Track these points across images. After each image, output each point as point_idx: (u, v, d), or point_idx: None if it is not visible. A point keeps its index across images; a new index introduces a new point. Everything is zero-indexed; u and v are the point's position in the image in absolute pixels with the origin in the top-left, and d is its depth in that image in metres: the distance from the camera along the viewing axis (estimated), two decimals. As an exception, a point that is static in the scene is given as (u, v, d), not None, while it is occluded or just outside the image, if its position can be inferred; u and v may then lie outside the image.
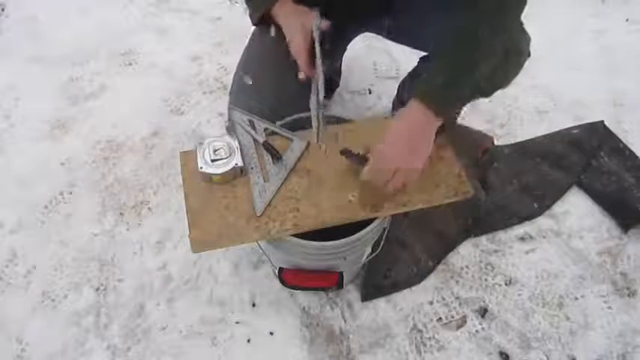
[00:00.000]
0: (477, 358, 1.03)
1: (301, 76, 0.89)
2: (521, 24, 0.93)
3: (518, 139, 1.39)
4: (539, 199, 1.25)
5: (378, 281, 1.10)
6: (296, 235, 0.80)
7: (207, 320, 1.07)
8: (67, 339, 1.05)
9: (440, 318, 1.08)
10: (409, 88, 1.25)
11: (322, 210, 0.81)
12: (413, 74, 1.16)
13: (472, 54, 0.77)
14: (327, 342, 1.05)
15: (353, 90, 1.50)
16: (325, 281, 0.94)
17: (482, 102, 1.48)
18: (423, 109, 0.76)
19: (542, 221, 1.23)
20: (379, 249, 0.98)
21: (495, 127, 1.43)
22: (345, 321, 1.08)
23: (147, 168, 1.34)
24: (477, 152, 1.27)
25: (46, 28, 1.73)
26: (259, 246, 0.97)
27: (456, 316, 1.09)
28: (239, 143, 0.86)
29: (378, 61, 1.60)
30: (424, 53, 1.06)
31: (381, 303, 1.10)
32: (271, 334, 1.06)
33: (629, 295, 1.12)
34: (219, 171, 0.82)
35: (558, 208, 1.26)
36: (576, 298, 1.11)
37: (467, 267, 1.16)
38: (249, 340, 1.05)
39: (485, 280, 1.14)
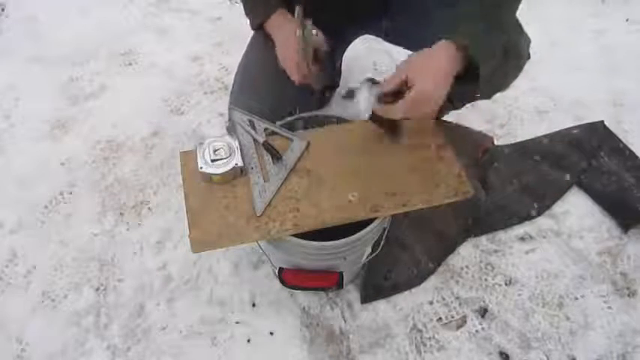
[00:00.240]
0: (477, 358, 1.03)
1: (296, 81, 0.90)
2: (520, 25, 0.92)
3: (518, 139, 1.39)
4: (539, 199, 1.25)
5: (378, 283, 1.10)
6: (296, 235, 0.80)
7: (207, 320, 1.07)
8: (67, 339, 1.05)
9: (440, 318, 1.08)
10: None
11: (322, 210, 0.81)
12: None
13: (499, 14, 0.78)
14: (327, 342, 1.05)
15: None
16: (325, 281, 0.94)
17: (483, 102, 1.48)
18: (453, 48, 0.74)
19: (542, 221, 1.23)
20: (379, 249, 0.98)
21: (495, 127, 1.43)
22: (345, 321, 1.08)
23: (147, 168, 1.34)
24: (477, 152, 1.27)
25: (46, 28, 1.73)
26: (259, 246, 0.97)
27: (456, 316, 1.09)
28: (239, 143, 0.86)
29: (378, 61, 1.60)
30: None
31: (381, 303, 1.10)
32: (271, 334, 1.06)
33: (629, 295, 1.12)
34: (219, 171, 0.82)
35: (558, 208, 1.26)
36: (576, 298, 1.11)
37: (467, 267, 1.16)
38: (249, 340, 1.05)
39: (485, 280, 1.14)
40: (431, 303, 1.10)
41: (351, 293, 1.11)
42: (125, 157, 1.37)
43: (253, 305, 1.10)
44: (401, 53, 1.52)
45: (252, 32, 1.07)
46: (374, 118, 0.83)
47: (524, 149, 1.35)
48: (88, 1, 1.81)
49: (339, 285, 0.94)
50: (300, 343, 1.05)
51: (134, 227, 1.22)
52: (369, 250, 0.99)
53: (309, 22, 0.86)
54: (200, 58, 1.64)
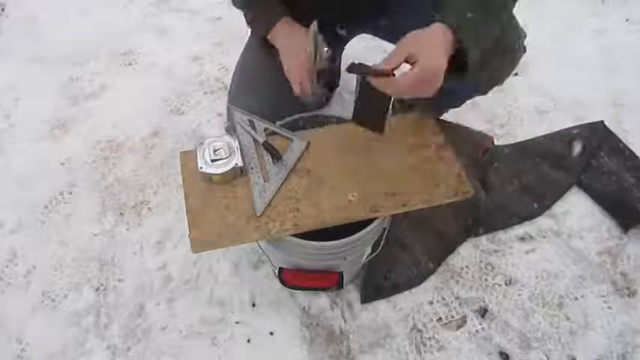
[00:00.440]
0: (477, 358, 1.03)
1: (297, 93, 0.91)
2: (514, 19, 0.92)
3: (518, 139, 1.39)
4: (539, 199, 1.25)
5: (378, 283, 1.10)
6: (296, 235, 0.80)
7: (207, 320, 1.07)
8: (67, 339, 1.05)
9: (440, 318, 1.08)
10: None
11: (322, 210, 0.81)
12: None
13: (489, 5, 0.77)
14: (327, 342, 1.05)
15: (353, 90, 1.50)
16: (325, 281, 0.94)
17: (483, 102, 1.48)
18: (446, 29, 0.73)
19: (542, 221, 1.23)
20: (379, 249, 0.98)
21: (495, 127, 1.43)
22: (345, 321, 1.08)
23: (147, 168, 1.34)
24: (477, 152, 1.27)
25: (46, 28, 1.73)
26: (259, 246, 0.97)
27: (456, 316, 1.08)
28: (239, 143, 0.86)
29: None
30: None
31: (381, 303, 1.10)
32: (271, 334, 1.06)
33: (629, 295, 1.12)
34: (219, 171, 0.82)
35: (558, 208, 1.26)
36: (576, 298, 1.11)
37: (467, 267, 1.16)
38: (249, 340, 1.05)
39: (485, 280, 1.14)
40: (431, 303, 1.10)
41: (351, 293, 1.11)
42: (125, 157, 1.37)
43: (253, 305, 1.10)
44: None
45: (250, 32, 1.07)
46: (357, 115, 0.83)
47: (524, 149, 1.35)
48: (88, 1, 1.81)
49: (339, 285, 0.94)
50: (300, 343, 1.05)
51: (134, 227, 1.22)
52: (369, 250, 0.99)
53: (320, 39, 0.86)
54: (200, 58, 1.64)
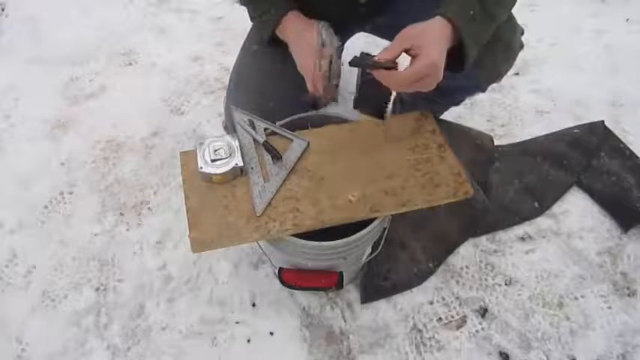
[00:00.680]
0: (476, 358, 1.03)
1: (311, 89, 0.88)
2: (511, 14, 0.92)
3: (518, 139, 1.39)
4: (539, 199, 1.25)
5: (378, 283, 1.10)
6: (296, 235, 0.80)
7: (207, 320, 1.08)
8: (67, 339, 1.05)
9: (440, 318, 1.08)
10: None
11: (322, 210, 0.81)
12: None
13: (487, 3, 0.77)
14: (327, 342, 1.05)
15: (353, 90, 1.50)
16: (325, 281, 0.94)
17: (483, 102, 1.49)
18: (450, 27, 0.73)
19: (542, 221, 1.23)
20: (379, 249, 0.98)
21: (495, 127, 1.43)
22: (345, 321, 1.08)
23: (147, 168, 1.34)
24: (477, 152, 1.27)
25: (46, 28, 1.73)
26: (259, 246, 0.97)
27: (456, 316, 1.08)
28: (239, 143, 0.86)
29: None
30: None
31: (381, 303, 1.10)
32: (271, 334, 1.06)
33: (629, 295, 1.12)
34: (219, 171, 0.82)
35: (558, 208, 1.26)
36: (576, 298, 1.11)
37: (467, 267, 1.16)
38: (249, 340, 1.05)
39: (485, 280, 1.14)
40: (431, 303, 1.10)
41: (351, 293, 1.11)
42: (125, 157, 1.37)
43: (253, 305, 1.10)
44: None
45: (248, 32, 1.07)
46: (358, 104, 0.82)
47: (525, 149, 1.35)
48: (88, 1, 1.81)
49: (339, 285, 0.94)
50: (300, 343, 1.05)
51: (134, 227, 1.22)
52: (369, 250, 0.99)
53: (332, 32, 0.85)
54: (200, 58, 1.64)
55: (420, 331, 1.06)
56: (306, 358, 1.03)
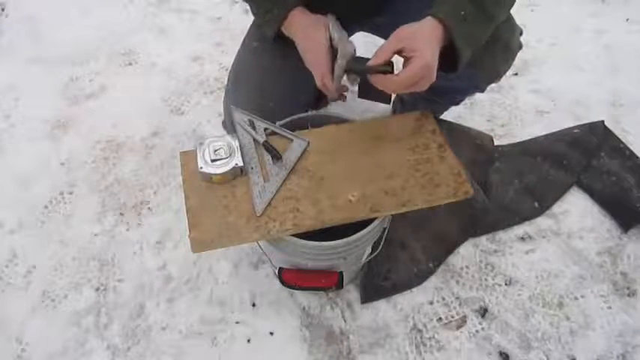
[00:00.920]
0: (476, 358, 1.03)
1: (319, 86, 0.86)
2: (510, 15, 0.92)
3: (518, 139, 1.39)
4: (540, 199, 1.25)
5: (378, 283, 1.10)
6: (296, 235, 0.80)
7: (207, 320, 1.08)
8: (67, 339, 1.05)
9: (440, 318, 1.08)
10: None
11: (322, 210, 0.81)
12: None
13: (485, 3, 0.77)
14: (327, 342, 1.05)
15: (353, 90, 1.50)
16: (325, 281, 0.94)
17: (483, 102, 1.49)
18: (441, 28, 0.74)
19: (542, 221, 1.23)
20: (379, 249, 0.98)
21: (495, 127, 1.43)
22: (345, 321, 1.08)
23: (147, 168, 1.34)
24: (477, 152, 1.27)
25: (46, 28, 1.73)
26: (259, 246, 0.97)
27: (456, 316, 1.09)
28: (239, 143, 0.86)
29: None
30: None
31: (381, 303, 1.10)
32: (271, 334, 1.06)
33: (629, 295, 1.12)
34: (219, 171, 0.82)
35: (558, 208, 1.26)
36: (576, 298, 1.11)
37: (467, 267, 1.16)
38: (249, 340, 1.05)
39: (485, 280, 1.14)
40: (431, 303, 1.10)
41: (351, 293, 1.11)
42: (125, 157, 1.37)
43: (253, 305, 1.10)
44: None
45: (247, 30, 1.06)
46: (362, 92, 0.82)
47: (525, 149, 1.35)
48: (88, 1, 1.81)
49: (339, 285, 0.93)
50: (300, 343, 1.05)
51: (134, 227, 1.22)
52: (369, 250, 0.99)
53: (340, 27, 0.84)
54: (200, 58, 1.64)
55: (420, 331, 1.06)
56: (306, 358, 1.03)
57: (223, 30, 1.74)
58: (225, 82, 1.06)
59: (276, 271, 0.95)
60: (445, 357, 1.03)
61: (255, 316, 1.08)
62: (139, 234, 1.21)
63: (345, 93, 0.92)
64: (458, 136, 1.27)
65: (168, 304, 1.10)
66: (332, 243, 0.81)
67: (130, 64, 1.63)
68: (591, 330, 1.06)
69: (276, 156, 0.86)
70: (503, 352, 1.04)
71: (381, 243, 0.97)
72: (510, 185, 1.27)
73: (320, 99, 1.36)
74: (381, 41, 1.16)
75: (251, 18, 1.05)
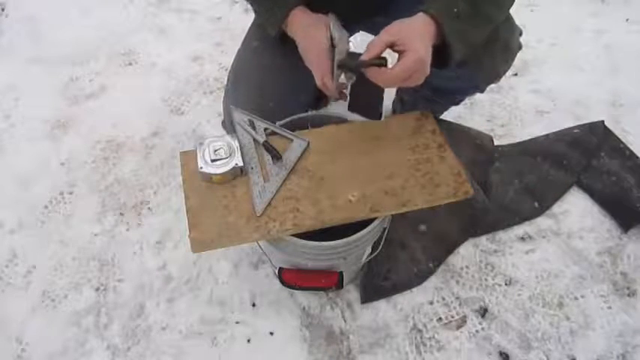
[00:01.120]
0: (476, 358, 1.03)
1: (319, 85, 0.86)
2: (510, 15, 0.92)
3: (518, 139, 1.39)
4: (540, 199, 1.25)
5: (378, 283, 1.10)
6: (296, 235, 0.80)
7: (207, 320, 1.08)
8: (67, 339, 1.05)
9: (440, 318, 1.08)
10: (408, 89, 1.25)
11: (322, 210, 0.81)
12: None
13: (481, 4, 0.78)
14: (327, 342, 1.05)
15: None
16: (325, 281, 0.94)
17: (483, 102, 1.49)
18: (433, 24, 0.74)
19: (542, 221, 1.23)
20: (379, 249, 0.98)
21: (495, 127, 1.43)
22: (345, 321, 1.08)
23: (147, 168, 1.34)
24: (477, 152, 1.27)
25: (46, 28, 1.73)
26: (259, 246, 0.97)
27: (456, 316, 1.09)
28: (239, 143, 0.86)
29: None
30: None
31: (381, 303, 1.10)
32: (271, 334, 1.06)
33: (629, 295, 1.12)
34: (219, 171, 0.82)
35: (558, 208, 1.26)
36: (576, 298, 1.11)
37: (467, 267, 1.16)
38: (249, 340, 1.05)
39: (485, 280, 1.14)
40: (431, 303, 1.10)
41: (351, 293, 1.11)
42: (125, 157, 1.37)
43: (253, 305, 1.10)
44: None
45: (247, 30, 1.06)
46: (352, 106, 0.81)
47: (525, 149, 1.35)
48: (88, 1, 1.81)
49: (339, 285, 0.93)
50: (300, 343, 1.05)
51: (134, 227, 1.22)
52: (369, 250, 0.99)
53: (340, 26, 0.84)
54: (200, 58, 1.64)
55: (420, 331, 1.06)
56: (306, 358, 1.03)
57: (223, 30, 1.74)
58: (225, 82, 1.06)
59: (276, 271, 0.95)
60: (445, 357, 1.03)
61: (255, 316, 1.08)
62: (139, 234, 1.21)
63: (345, 90, 0.92)
64: (458, 136, 1.27)
65: (168, 304, 1.10)
66: (332, 243, 0.81)
67: (130, 64, 1.63)
68: (591, 330, 1.06)
69: (276, 156, 0.86)
70: (503, 352, 1.04)
71: (381, 243, 0.97)
72: (510, 185, 1.27)
73: (320, 99, 1.36)
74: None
75: (251, 18, 1.05)
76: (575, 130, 1.38)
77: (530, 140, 1.38)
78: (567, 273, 1.15)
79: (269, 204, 0.81)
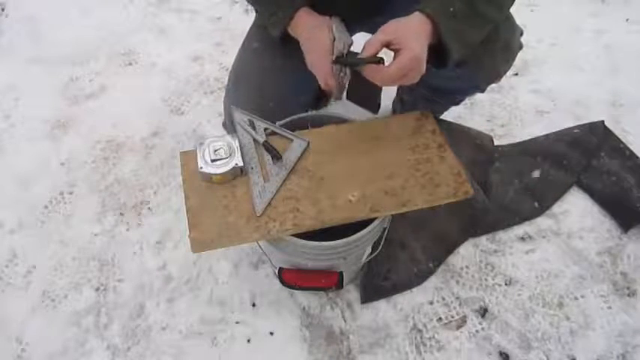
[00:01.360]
0: (476, 358, 1.03)
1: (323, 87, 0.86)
2: (510, 15, 0.92)
3: (518, 139, 1.39)
4: (540, 199, 1.25)
5: (378, 283, 1.10)
6: (296, 235, 0.80)
7: (207, 320, 1.08)
8: (67, 339, 1.05)
9: (440, 318, 1.08)
10: (408, 89, 1.25)
11: (322, 210, 0.81)
12: None
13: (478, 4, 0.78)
14: (327, 342, 1.05)
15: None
16: (325, 281, 0.94)
17: (483, 102, 1.49)
18: (429, 23, 0.75)
19: (542, 221, 1.23)
20: (379, 249, 0.98)
21: (495, 127, 1.43)
22: (345, 321, 1.08)
23: (147, 168, 1.34)
24: (477, 152, 1.27)
25: (46, 28, 1.73)
26: (259, 246, 0.97)
27: (456, 316, 1.09)
28: (239, 143, 0.86)
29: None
30: None
31: (381, 303, 1.10)
32: (271, 334, 1.06)
33: (629, 295, 1.12)
34: (219, 171, 0.82)
35: (558, 208, 1.26)
36: (576, 298, 1.11)
37: (467, 267, 1.16)
38: (249, 340, 1.05)
39: (485, 280, 1.14)
40: (431, 303, 1.10)
41: (351, 293, 1.11)
42: (125, 157, 1.37)
43: (253, 305, 1.10)
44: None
45: (247, 30, 1.06)
46: (350, 94, 0.81)
47: (525, 149, 1.35)
48: (88, 1, 1.81)
49: (339, 285, 0.93)
50: (300, 343, 1.05)
51: (134, 227, 1.22)
52: (369, 250, 0.99)
53: (344, 27, 0.84)
54: (200, 58, 1.64)
55: (420, 331, 1.06)
56: (306, 358, 1.03)
57: (223, 30, 1.74)
58: (226, 82, 1.06)
59: (276, 271, 0.95)
60: (445, 357, 1.03)
61: (255, 316, 1.08)
62: (139, 234, 1.21)
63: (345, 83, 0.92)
64: (458, 136, 1.27)
65: (168, 304, 1.10)
66: (332, 243, 0.81)
67: (130, 64, 1.63)
68: (591, 330, 1.06)
69: (276, 156, 0.86)
70: (503, 352, 1.04)
71: (381, 243, 0.97)
72: (510, 185, 1.27)
73: (320, 99, 1.36)
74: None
75: (251, 18, 1.05)
76: (575, 130, 1.38)
77: (530, 140, 1.38)
78: (567, 273, 1.15)
79: (269, 204, 0.81)
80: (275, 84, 0.97)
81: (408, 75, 0.74)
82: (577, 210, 1.25)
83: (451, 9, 0.75)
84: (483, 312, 1.09)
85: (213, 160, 0.83)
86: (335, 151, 0.89)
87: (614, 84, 1.54)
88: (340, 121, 0.95)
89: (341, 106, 1.46)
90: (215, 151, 0.84)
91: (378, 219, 0.82)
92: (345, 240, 0.81)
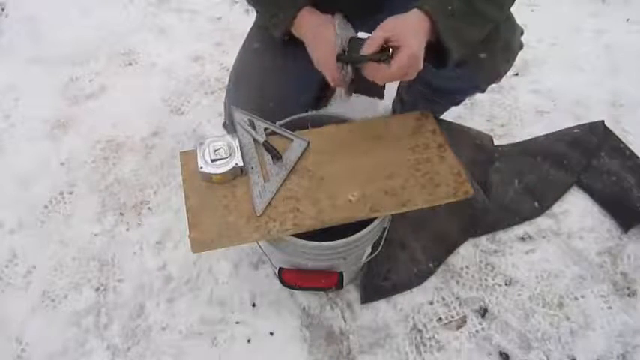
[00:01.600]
0: (476, 358, 1.03)
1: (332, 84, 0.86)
2: (511, 14, 0.92)
3: (518, 139, 1.39)
4: (540, 199, 1.25)
5: (378, 283, 1.10)
6: (296, 235, 0.80)
7: (207, 320, 1.08)
8: (67, 339, 1.05)
9: (440, 318, 1.08)
10: (408, 88, 1.25)
11: (322, 210, 0.81)
12: None
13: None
14: (327, 342, 1.05)
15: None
16: (325, 281, 0.94)
17: (483, 102, 1.49)
18: (428, 21, 0.75)
19: (542, 221, 1.23)
20: (379, 249, 0.98)
21: (495, 127, 1.43)
22: (345, 321, 1.08)
23: (147, 168, 1.34)
24: (477, 152, 1.27)
25: (46, 28, 1.73)
26: (259, 246, 0.97)
27: (456, 316, 1.09)
28: (239, 143, 0.86)
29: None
30: None
31: (381, 303, 1.10)
32: (271, 334, 1.06)
33: (629, 295, 1.12)
34: (219, 171, 0.82)
35: (558, 208, 1.26)
36: (576, 298, 1.11)
37: (467, 267, 1.16)
38: (249, 340, 1.05)
39: (485, 280, 1.14)
40: (431, 303, 1.10)
41: (351, 293, 1.11)
42: (125, 157, 1.37)
43: (253, 305, 1.10)
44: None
45: (248, 31, 1.06)
46: (356, 85, 0.82)
47: (525, 149, 1.35)
48: (88, 1, 1.81)
49: (339, 285, 0.94)
50: (300, 343, 1.05)
51: (134, 227, 1.22)
52: (369, 250, 0.99)
53: (349, 25, 0.84)
54: (200, 58, 1.64)
55: (420, 331, 1.06)
56: (306, 358, 1.03)
57: (223, 30, 1.74)
58: (226, 83, 1.06)
59: (276, 271, 0.95)
60: (445, 357, 1.03)
61: (255, 316, 1.08)
62: (139, 234, 1.21)
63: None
64: (458, 136, 1.27)
65: (168, 304, 1.10)
66: (332, 243, 0.81)
67: (130, 64, 1.63)
68: (591, 330, 1.06)
69: (276, 156, 0.86)
70: (503, 352, 1.04)
71: (381, 243, 0.97)
72: (510, 185, 1.27)
73: (320, 99, 1.36)
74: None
75: (251, 18, 1.05)
76: (575, 130, 1.38)
77: (530, 140, 1.38)
78: (567, 273, 1.15)
79: (269, 204, 0.81)
80: (275, 84, 0.97)
81: (407, 72, 0.75)
82: (577, 210, 1.25)
83: (449, 7, 0.76)
84: (483, 312, 1.09)
85: (213, 160, 0.83)
86: (335, 151, 0.89)
87: (614, 84, 1.54)
88: (340, 121, 0.96)
89: (341, 106, 1.46)
90: (215, 151, 0.84)
91: (378, 219, 0.82)
92: (345, 240, 0.81)
